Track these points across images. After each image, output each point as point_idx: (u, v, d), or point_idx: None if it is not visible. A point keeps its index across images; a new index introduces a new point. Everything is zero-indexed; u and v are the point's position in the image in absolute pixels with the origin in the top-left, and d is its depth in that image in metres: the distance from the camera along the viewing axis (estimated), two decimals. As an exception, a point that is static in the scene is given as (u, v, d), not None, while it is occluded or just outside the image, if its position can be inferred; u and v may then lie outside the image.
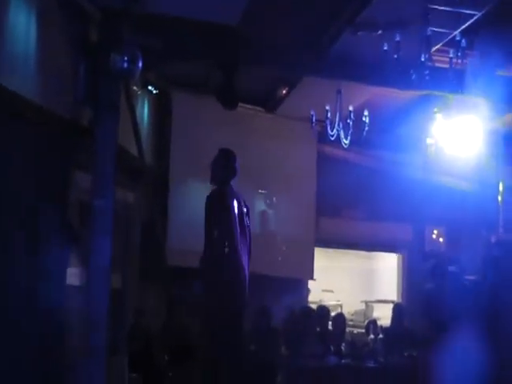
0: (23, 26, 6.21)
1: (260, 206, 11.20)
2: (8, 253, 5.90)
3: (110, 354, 6.96)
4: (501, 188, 10.36)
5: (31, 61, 6.34)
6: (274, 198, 11.37)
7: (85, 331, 6.89)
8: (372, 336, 10.45)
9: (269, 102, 10.78)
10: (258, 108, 10.90)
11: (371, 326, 10.16)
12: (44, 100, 6.43)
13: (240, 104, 9.40)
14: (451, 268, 8.67)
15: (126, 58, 7.02)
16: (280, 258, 11.29)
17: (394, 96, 10.07)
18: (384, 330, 10.04)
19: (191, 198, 9.85)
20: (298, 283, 11.97)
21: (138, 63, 7.11)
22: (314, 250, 11.96)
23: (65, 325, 6.85)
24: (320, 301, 12.91)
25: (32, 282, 6.15)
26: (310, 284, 12.46)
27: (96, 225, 7.11)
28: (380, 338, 9.98)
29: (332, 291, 13.87)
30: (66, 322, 6.88)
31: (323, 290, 13.52)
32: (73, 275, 7.22)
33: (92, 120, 7.32)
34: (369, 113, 9.06)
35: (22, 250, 6.11)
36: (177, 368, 8.31)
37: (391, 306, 10.60)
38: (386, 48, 7.33)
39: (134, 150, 8.36)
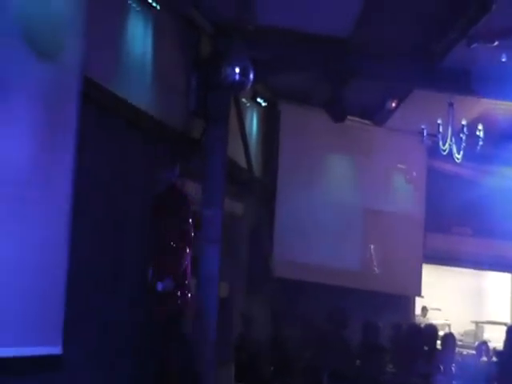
0: (140, 40, 6.44)
1: (367, 219, 11.04)
2: (124, 260, 6.06)
3: (218, 362, 7.03)
4: None
5: (147, 74, 6.56)
6: (381, 212, 11.19)
7: (194, 338, 6.99)
8: (485, 358, 10.03)
9: (377, 115, 10.64)
10: (366, 121, 10.78)
11: (483, 348, 9.77)
12: (157, 111, 6.63)
13: (348, 117, 9.32)
14: None
15: (237, 71, 7.12)
16: (387, 274, 11.08)
17: (509, 109, 9.70)
18: (498, 353, 9.61)
19: (298, 210, 9.85)
20: (405, 300, 11.71)
21: (249, 75, 7.19)
22: (421, 266, 11.68)
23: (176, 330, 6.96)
24: (427, 319, 12.56)
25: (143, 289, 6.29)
26: (417, 301, 12.18)
27: (205, 234, 7.24)
28: (493, 362, 9.56)
29: (439, 309, 13.47)
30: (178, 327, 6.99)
31: (430, 308, 13.16)
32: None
33: (202, 131, 7.46)
34: (483, 127, 8.76)
35: (136, 255, 6.27)
36: (282, 379, 8.28)
37: (503, 328, 10.16)
38: (504, 59, 7.04)
39: (242, 162, 8.45)
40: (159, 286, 4.53)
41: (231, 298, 8.65)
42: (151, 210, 4.77)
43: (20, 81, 4.69)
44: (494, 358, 9.58)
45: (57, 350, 5.08)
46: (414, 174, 11.49)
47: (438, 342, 9.76)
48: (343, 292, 9.94)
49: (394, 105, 10.33)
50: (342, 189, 10.52)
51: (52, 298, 5.10)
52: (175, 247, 4.75)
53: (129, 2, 6.20)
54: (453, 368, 9.21)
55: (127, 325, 5.97)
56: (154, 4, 6.44)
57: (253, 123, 9.63)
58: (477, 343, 10.66)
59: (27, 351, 4.84)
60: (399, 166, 11.21)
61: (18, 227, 4.68)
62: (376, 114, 10.80)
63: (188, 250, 4.74)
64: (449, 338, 9.70)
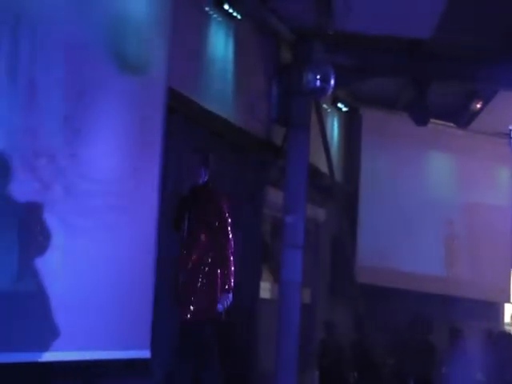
0: (222, 50, 6.56)
1: (453, 224, 10.80)
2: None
3: (300, 369, 7.04)
4: None
5: (229, 83, 6.67)
6: (467, 217, 10.93)
7: (276, 344, 7.03)
8: None
9: (461, 117, 10.41)
10: (450, 123, 10.57)
11: None
12: (240, 120, 6.72)
13: (431, 120, 9.17)
14: None
15: (318, 77, 7.13)
16: (474, 280, 10.82)
17: None
18: None
19: (381, 214, 9.75)
20: (493, 306, 11.39)
21: (330, 81, 7.19)
22: (510, 271, 11.34)
23: (258, 337, 7.03)
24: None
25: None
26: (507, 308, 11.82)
27: (287, 240, 7.27)
28: None
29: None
30: (259, 335, 7.06)
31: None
32: (265, 289, 7.41)
33: (284, 138, 7.51)
34: None
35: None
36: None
37: None
38: None
39: (324, 167, 8.45)
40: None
41: (313, 303, 8.66)
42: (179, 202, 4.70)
43: (110, 95, 4.88)
44: None
45: (146, 353, 5.24)
46: (502, 176, 11.19)
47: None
48: (427, 298, 9.77)
49: (479, 106, 10.10)
50: (425, 193, 10.34)
51: (141, 302, 5.26)
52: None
53: (210, 13, 6.33)
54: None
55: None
56: (235, 14, 6.55)
57: (334, 128, 9.61)
58: None
59: (119, 354, 5.02)
60: (484, 167, 10.93)
61: (110, 236, 4.87)
62: (460, 116, 10.58)
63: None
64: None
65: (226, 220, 4.62)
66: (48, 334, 4.33)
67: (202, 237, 4.58)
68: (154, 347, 5.19)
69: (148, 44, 5.31)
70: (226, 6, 6.40)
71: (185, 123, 5.88)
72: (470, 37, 7.90)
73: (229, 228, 4.59)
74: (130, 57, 5.17)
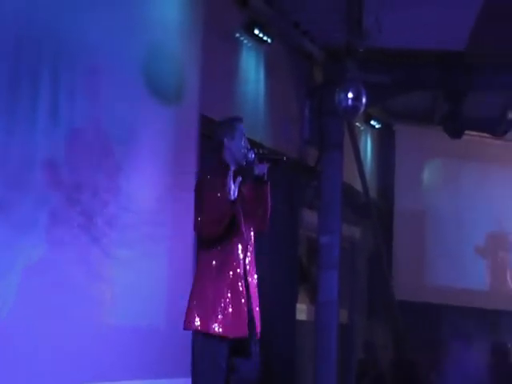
0: (253, 74, 6.60)
1: (495, 238, 10.63)
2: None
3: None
4: None
5: (261, 106, 6.70)
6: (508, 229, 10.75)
7: (315, 366, 7.02)
8: None
9: (498, 127, 10.28)
10: (486, 134, 10.44)
11: None
12: (273, 142, 6.73)
13: (466, 131, 9.07)
14: None
15: (350, 96, 7.11)
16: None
17: None
18: None
19: (417, 230, 9.66)
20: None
21: (362, 100, 7.16)
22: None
23: (296, 359, 7.02)
24: None
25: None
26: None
27: (323, 260, 7.26)
28: None
29: None
30: (297, 357, 7.05)
31: None
32: (302, 310, 7.39)
33: (317, 159, 7.50)
34: None
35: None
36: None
37: None
38: None
39: (358, 186, 8.42)
40: None
41: (351, 323, 8.61)
42: None
43: (147, 127, 4.96)
44: None
45: (187, 382, 5.28)
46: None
47: None
48: (470, 312, 9.63)
49: (514, 115, 9.97)
50: (462, 206, 10.22)
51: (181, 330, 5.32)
52: None
53: (241, 38, 6.37)
54: None
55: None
56: (265, 38, 6.57)
57: (367, 146, 9.57)
58: None
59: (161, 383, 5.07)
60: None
61: (152, 264, 4.94)
62: (496, 126, 10.45)
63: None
64: None
65: None
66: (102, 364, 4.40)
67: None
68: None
69: (180, 72, 5.38)
70: (257, 31, 6.42)
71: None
72: (503, 45, 7.81)
73: None
74: (163, 85, 5.24)
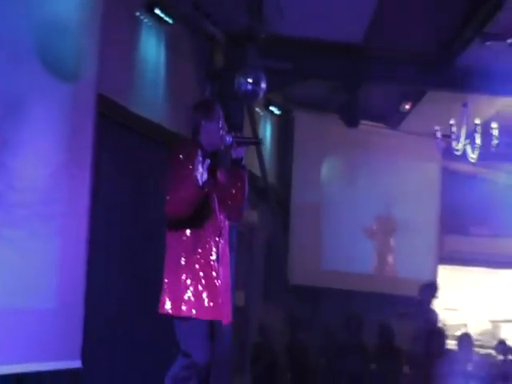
0: (153, 55, 6.51)
1: (382, 223, 11.04)
2: (142, 269, 6.13)
3: (233, 373, 7.07)
4: None
5: (161, 87, 6.63)
6: (397, 216, 11.18)
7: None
8: (502, 357, 10.04)
9: (392, 118, 10.63)
10: (381, 125, 10.78)
11: (500, 347, 9.78)
12: (172, 124, 6.69)
13: (362, 121, 9.33)
14: None
15: (250, 81, 7.16)
16: (402, 277, 11.09)
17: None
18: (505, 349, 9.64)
19: (313, 216, 9.87)
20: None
21: (262, 85, 7.23)
22: (437, 268, 11.66)
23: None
24: (444, 320, 12.54)
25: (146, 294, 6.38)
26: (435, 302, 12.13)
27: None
28: (510, 360, 9.58)
29: (457, 310, 13.45)
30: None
31: (446, 309, 13.13)
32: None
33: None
34: (498, 125, 8.71)
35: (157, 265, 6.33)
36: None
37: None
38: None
39: (257, 170, 8.50)
40: None
41: (247, 306, 8.70)
42: None
43: (39, 102, 4.80)
44: (510, 356, 9.59)
45: (77, 363, 5.19)
46: (429, 175, 11.47)
47: (454, 342, 9.78)
48: (360, 296, 9.96)
49: (408, 107, 10.33)
50: (357, 193, 10.52)
51: (72, 312, 5.21)
52: None
53: (141, 17, 6.27)
54: (470, 368, 9.25)
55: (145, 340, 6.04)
56: (166, 18, 6.50)
57: (267, 131, 9.67)
58: (495, 342, 10.66)
59: (48, 366, 4.96)
60: (413, 167, 11.19)
61: (40, 244, 4.80)
62: (390, 117, 10.80)
63: None
64: (465, 337, 9.73)
65: None
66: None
67: None
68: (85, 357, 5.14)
69: (77, 50, 5.24)
70: (158, 11, 6.34)
71: (115, 129, 5.83)
72: (399, 39, 8.07)
73: None
74: (59, 63, 5.09)
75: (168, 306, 3.89)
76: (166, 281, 3.91)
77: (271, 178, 9.40)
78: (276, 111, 9.65)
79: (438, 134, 9.35)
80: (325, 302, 9.82)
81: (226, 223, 4.07)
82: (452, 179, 11.34)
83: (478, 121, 8.76)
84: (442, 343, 9.44)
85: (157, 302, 3.98)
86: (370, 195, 10.59)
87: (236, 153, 4.03)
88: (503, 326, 13.31)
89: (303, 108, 10.04)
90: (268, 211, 9.12)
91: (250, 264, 8.85)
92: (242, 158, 4.07)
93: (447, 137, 9.44)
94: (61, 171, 5.06)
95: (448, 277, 12.70)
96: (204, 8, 7.09)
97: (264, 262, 9.51)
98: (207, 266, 3.92)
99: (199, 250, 3.91)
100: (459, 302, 13.69)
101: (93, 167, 5.29)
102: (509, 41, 7.16)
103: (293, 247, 9.78)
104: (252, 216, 8.95)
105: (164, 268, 3.92)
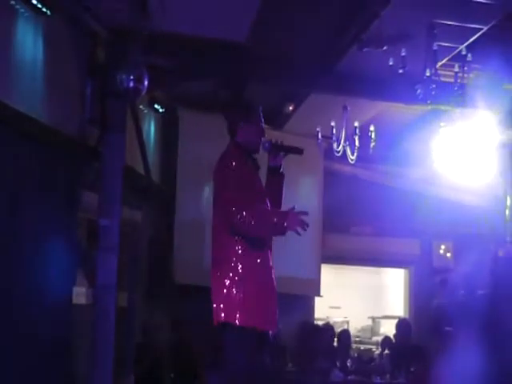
0: (30, 47, 6.25)
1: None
2: (16, 270, 5.90)
3: (116, 375, 6.93)
4: (508, 202, 10.34)
5: (38, 81, 6.38)
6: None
7: (91, 350, 6.87)
8: (378, 352, 10.43)
9: (276, 119, 10.79)
10: (265, 125, 10.87)
11: (385, 343, 10.18)
12: (51, 120, 6.47)
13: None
14: (459, 283, 8.68)
15: (132, 78, 7.04)
16: (286, 275, 11.24)
17: (401, 111, 10.07)
18: (389, 345, 10.03)
19: (197, 215, 9.83)
20: (305, 300, 11.91)
21: (144, 82, 7.13)
22: (320, 266, 11.92)
23: (72, 343, 6.83)
24: (327, 317, 12.84)
25: (39, 298, 6.16)
26: (317, 300, 12.41)
27: (102, 243, 7.13)
28: (386, 354, 9.96)
29: (339, 307, 13.81)
30: (74, 341, 6.86)
31: (330, 307, 13.47)
32: (81, 294, 7.21)
33: (98, 139, 7.34)
34: (376, 128, 9.05)
35: (30, 267, 6.11)
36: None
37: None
38: (391, 63, 7.33)
39: (140, 169, 8.37)
40: None
41: (131, 307, 8.55)
42: None
43: None
44: (387, 351, 10.01)
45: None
46: (312, 176, 11.70)
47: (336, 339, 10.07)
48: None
49: (291, 108, 10.51)
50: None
51: None
52: None
53: (17, 7, 6.00)
54: (348, 363, 9.59)
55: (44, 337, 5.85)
56: (44, 9, 6.25)
57: (151, 129, 9.54)
58: (380, 338, 11.05)
59: None
60: (296, 168, 11.37)
61: None
62: (275, 118, 10.94)
63: None
64: (344, 334, 10.15)
65: None
66: None
67: None
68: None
69: None
70: (34, 1, 6.09)
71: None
72: (283, 40, 8.20)
73: None
74: None
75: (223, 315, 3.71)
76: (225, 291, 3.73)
77: (155, 176, 9.29)
78: (160, 109, 9.55)
79: (319, 135, 9.58)
80: (209, 301, 9.77)
81: None
82: (333, 180, 11.64)
83: (356, 123, 9.05)
84: (329, 340, 9.68)
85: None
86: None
87: (274, 161, 3.93)
88: (382, 322, 13.82)
89: (188, 106, 9.99)
90: (152, 210, 9.01)
91: (133, 264, 8.71)
92: (280, 166, 3.97)
93: (328, 138, 9.70)
94: None
95: (331, 275, 13.04)
96: (85, 1, 6.91)
97: (148, 261, 9.37)
98: (271, 279, 3.84)
99: (268, 262, 3.82)
100: (342, 299, 14.09)
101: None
102: (385, 48, 7.45)
103: (177, 246, 9.70)
104: (136, 215, 8.82)
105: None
